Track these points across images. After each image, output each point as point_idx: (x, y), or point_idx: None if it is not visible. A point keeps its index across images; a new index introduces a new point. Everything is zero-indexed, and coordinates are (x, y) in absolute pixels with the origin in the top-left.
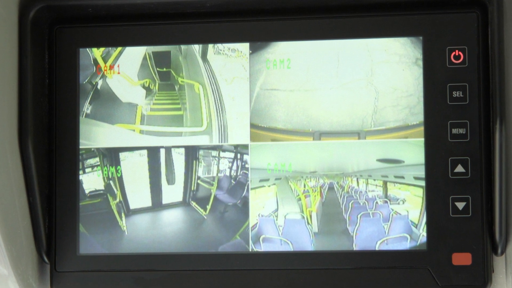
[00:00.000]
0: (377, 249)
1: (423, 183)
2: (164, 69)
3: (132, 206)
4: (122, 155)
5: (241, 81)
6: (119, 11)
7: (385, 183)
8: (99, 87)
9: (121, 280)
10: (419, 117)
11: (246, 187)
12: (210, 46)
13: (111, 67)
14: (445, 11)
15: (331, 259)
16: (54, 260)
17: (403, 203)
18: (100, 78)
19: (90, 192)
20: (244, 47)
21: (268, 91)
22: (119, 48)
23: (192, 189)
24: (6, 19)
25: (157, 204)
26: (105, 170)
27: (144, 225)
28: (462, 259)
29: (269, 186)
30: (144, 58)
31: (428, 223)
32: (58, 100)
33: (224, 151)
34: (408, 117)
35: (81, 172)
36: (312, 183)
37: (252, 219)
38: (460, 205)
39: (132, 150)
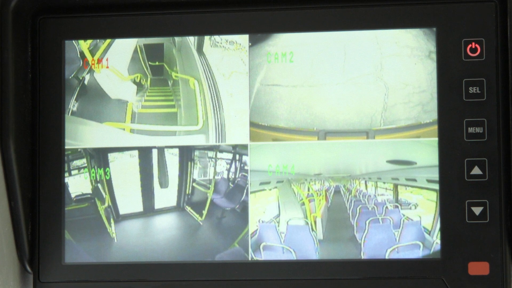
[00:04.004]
0: (387, 257)
1: (437, 186)
2: (157, 63)
3: (122, 211)
4: (111, 156)
5: (240, 76)
6: (107, 0)
7: (395, 186)
8: (86, 82)
9: None
10: (433, 115)
11: (245, 191)
12: (206, 38)
13: (99, 60)
14: (460, 0)
15: (337, 269)
16: (37, 269)
17: (415, 208)
18: (87, 73)
19: (76, 196)
20: (243, 39)
21: (269, 86)
22: (108, 40)
23: (187, 193)
24: None
25: (149, 209)
26: (93, 172)
27: (134, 232)
28: (479, 268)
29: (270, 189)
30: (135, 51)
31: (442, 229)
32: (42, 96)
33: (221, 151)
34: (421, 115)
35: (66, 174)
36: (317, 187)
37: (252, 226)
38: (477, 210)
39: (122, 150)
